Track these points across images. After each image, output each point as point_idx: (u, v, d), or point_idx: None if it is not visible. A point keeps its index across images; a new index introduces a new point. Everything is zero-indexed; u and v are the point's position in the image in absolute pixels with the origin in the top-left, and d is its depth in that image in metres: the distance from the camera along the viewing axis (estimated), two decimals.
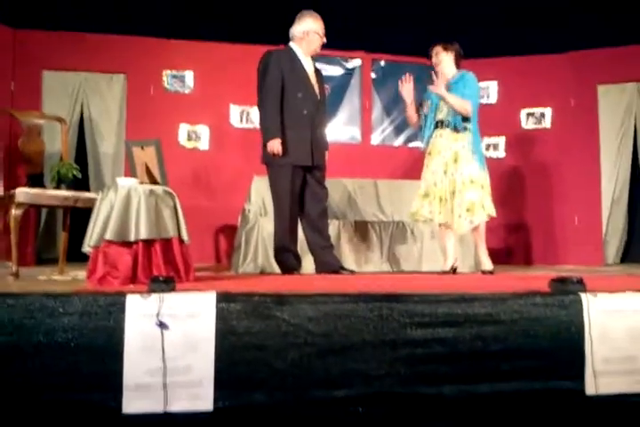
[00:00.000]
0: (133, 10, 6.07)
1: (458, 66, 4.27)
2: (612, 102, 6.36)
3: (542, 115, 6.54)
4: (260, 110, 4.02)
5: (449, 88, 4.14)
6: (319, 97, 4.04)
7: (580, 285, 2.27)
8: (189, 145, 6.21)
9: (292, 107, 3.91)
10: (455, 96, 4.08)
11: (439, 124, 4.19)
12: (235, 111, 6.31)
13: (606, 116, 6.36)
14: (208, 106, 6.20)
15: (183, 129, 6.19)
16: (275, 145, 3.84)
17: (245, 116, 6.29)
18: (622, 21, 6.09)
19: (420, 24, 6.66)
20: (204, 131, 6.24)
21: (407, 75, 4.33)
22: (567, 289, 2.26)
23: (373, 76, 6.77)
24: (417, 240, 5.04)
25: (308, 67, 4.06)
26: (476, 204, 4.01)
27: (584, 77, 6.35)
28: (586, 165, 6.33)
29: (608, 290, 2.26)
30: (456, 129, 4.11)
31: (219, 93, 6.21)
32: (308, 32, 4.01)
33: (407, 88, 4.30)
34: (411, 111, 4.35)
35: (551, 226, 6.42)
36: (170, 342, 1.94)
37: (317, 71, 4.16)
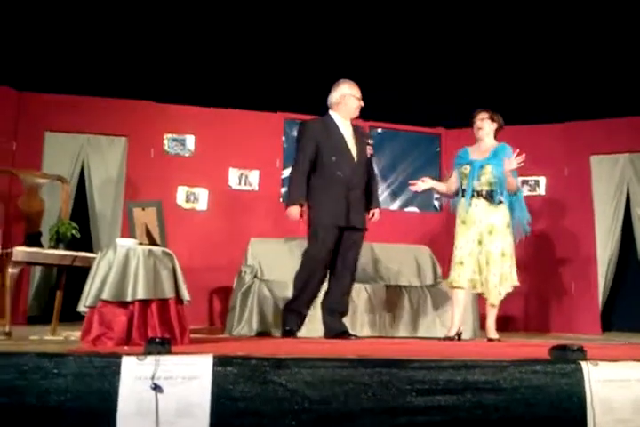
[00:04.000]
0: (136, 75, 6.26)
1: (496, 137, 4.33)
2: (605, 172, 6.46)
3: (537, 182, 6.65)
4: (289, 178, 4.16)
5: (489, 157, 4.21)
6: (357, 159, 4.08)
7: (581, 353, 2.25)
8: (187, 206, 6.26)
9: (326, 170, 4.00)
10: (512, 176, 4.13)
11: (475, 194, 4.17)
12: (234, 174, 6.39)
13: (599, 186, 6.45)
14: (207, 169, 6.29)
15: (181, 191, 6.25)
16: (293, 211, 3.93)
17: (244, 179, 6.37)
18: (615, 94, 6.29)
19: (417, 93, 6.88)
20: (202, 193, 6.30)
21: (414, 183, 4.39)
22: (567, 357, 2.23)
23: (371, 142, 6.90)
24: (413, 305, 5.00)
25: (346, 131, 4.14)
26: (506, 276, 4.11)
27: (577, 148, 6.49)
28: (581, 232, 6.38)
29: (609, 359, 2.24)
30: (492, 201, 4.14)
31: (218, 157, 6.31)
32: (344, 96, 4.13)
33: (424, 185, 4.34)
34: (441, 188, 4.43)
35: (548, 293, 6.40)
36: (164, 406, 1.90)
37: (358, 134, 4.21)
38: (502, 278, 4.10)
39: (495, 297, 4.12)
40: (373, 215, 4.20)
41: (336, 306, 4.01)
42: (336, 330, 3.94)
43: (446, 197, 4.55)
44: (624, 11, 6.27)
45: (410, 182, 4.47)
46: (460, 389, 2.07)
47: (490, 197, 4.14)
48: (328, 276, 4.05)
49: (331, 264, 4.03)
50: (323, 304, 4.04)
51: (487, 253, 4.10)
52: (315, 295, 4.02)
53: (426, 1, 6.71)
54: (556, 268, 6.40)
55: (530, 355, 2.39)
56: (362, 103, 4.18)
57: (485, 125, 4.29)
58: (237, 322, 4.56)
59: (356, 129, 4.22)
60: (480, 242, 4.12)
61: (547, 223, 6.51)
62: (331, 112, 4.19)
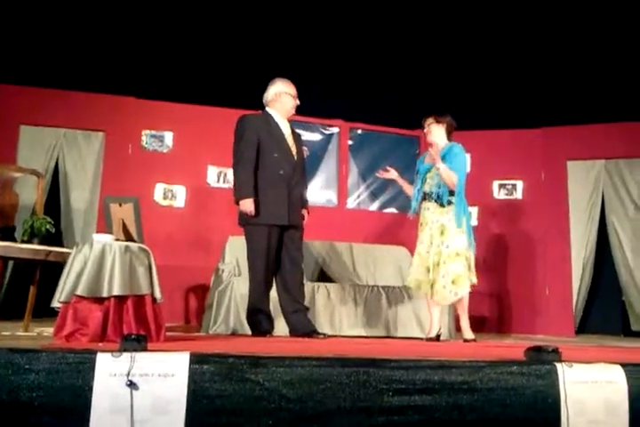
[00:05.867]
0: (116, 69, 6.20)
1: (449, 138, 4.36)
2: (581, 178, 6.56)
3: (514, 186, 6.72)
4: (234, 172, 4.07)
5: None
6: (296, 158, 4.08)
7: (556, 354, 2.27)
8: (165, 203, 6.20)
9: (268, 167, 3.95)
10: (446, 168, 4.15)
11: (426, 197, 4.26)
12: (212, 172, 6.36)
13: (575, 191, 6.54)
14: (186, 166, 6.24)
15: (159, 188, 6.20)
16: (247, 205, 3.86)
17: (223, 176, 6.33)
18: (593, 101, 6.37)
19: (396, 96, 6.91)
20: (180, 190, 6.26)
21: (385, 169, 4.52)
22: (543, 359, 2.25)
23: (350, 142, 6.94)
24: (391, 305, 5.01)
25: (285, 129, 4.12)
26: (462, 276, 4.09)
27: (554, 153, 6.57)
28: (556, 236, 6.46)
29: (583, 361, 2.26)
30: (441, 203, 4.18)
31: (197, 154, 6.26)
32: (279, 93, 4.09)
33: (388, 174, 4.47)
34: (407, 187, 4.50)
35: (522, 295, 6.47)
36: (139, 403, 1.88)
37: (295, 134, 4.23)
38: (459, 279, 4.08)
39: (443, 297, 4.12)
40: (303, 216, 4.17)
41: (296, 303, 3.97)
42: (304, 329, 3.91)
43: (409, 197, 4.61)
44: (603, 20, 6.36)
45: (379, 172, 4.59)
46: (437, 389, 2.08)
47: (438, 198, 4.19)
48: (281, 277, 4.00)
49: (280, 265, 3.99)
50: (282, 304, 4.00)
51: (438, 253, 4.12)
52: (269, 292, 3.99)
53: (409, 5, 6.74)
54: (531, 271, 6.47)
55: (505, 356, 2.40)
56: (297, 102, 4.14)
57: (433, 130, 4.35)
58: (214, 320, 4.54)
59: (292, 128, 4.21)
60: (431, 243, 4.16)
61: (523, 226, 6.59)
62: (267, 109, 4.14)
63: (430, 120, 4.36)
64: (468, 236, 4.17)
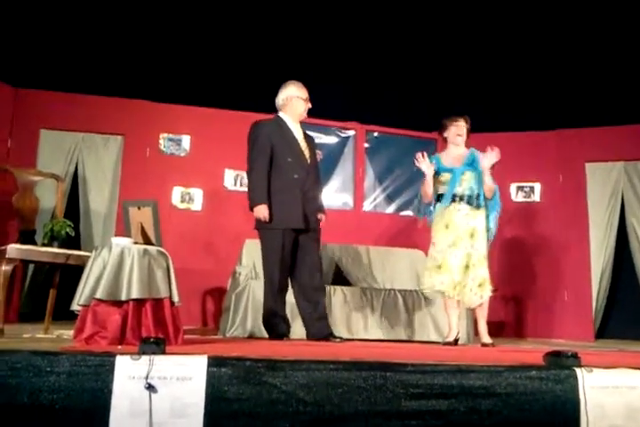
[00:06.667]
0: (134, 74, 6.26)
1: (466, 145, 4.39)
2: (600, 180, 6.49)
3: (532, 189, 6.67)
4: (248, 178, 4.09)
5: (467, 163, 4.25)
6: (309, 161, 4.09)
7: (575, 359, 2.25)
8: (182, 206, 6.25)
9: (282, 172, 3.97)
10: (490, 177, 4.18)
11: (456, 199, 4.21)
12: (229, 175, 6.39)
13: (594, 193, 6.48)
14: (203, 169, 6.28)
15: (177, 191, 6.24)
16: (261, 211, 3.89)
17: (240, 180, 6.36)
18: (611, 102, 6.32)
19: (412, 99, 6.90)
20: (197, 193, 6.30)
21: (423, 153, 4.36)
22: (562, 363, 2.23)
23: (366, 145, 6.94)
24: (408, 309, 5.00)
25: (298, 133, 4.13)
26: (487, 280, 4.13)
27: (572, 155, 6.52)
28: (575, 239, 6.40)
29: (603, 365, 2.24)
30: (476, 206, 4.18)
31: (214, 157, 6.30)
32: (290, 98, 4.10)
33: (426, 163, 4.29)
34: (429, 185, 4.31)
35: (541, 299, 6.41)
36: (158, 406, 1.89)
37: (308, 137, 4.23)
38: (484, 282, 4.11)
39: (471, 300, 4.14)
40: (319, 219, 4.14)
41: (313, 306, 3.96)
42: (321, 332, 3.91)
43: (425, 198, 4.41)
44: (618, 20, 6.31)
45: (417, 156, 4.33)
46: (455, 393, 2.06)
47: (472, 201, 4.19)
48: (298, 280, 4.00)
49: (297, 269, 3.99)
50: (299, 307, 4.00)
51: (467, 256, 4.11)
52: (284, 296, 4.00)
53: (421, 9, 6.73)
54: (549, 274, 6.41)
55: (524, 361, 2.39)
56: (309, 105, 4.14)
57: (465, 132, 4.36)
58: (231, 323, 4.55)
59: (305, 132, 4.22)
60: (457, 245, 4.13)
61: (541, 229, 6.53)
62: (280, 113, 4.15)
63: (466, 124, 4.35)
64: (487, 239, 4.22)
